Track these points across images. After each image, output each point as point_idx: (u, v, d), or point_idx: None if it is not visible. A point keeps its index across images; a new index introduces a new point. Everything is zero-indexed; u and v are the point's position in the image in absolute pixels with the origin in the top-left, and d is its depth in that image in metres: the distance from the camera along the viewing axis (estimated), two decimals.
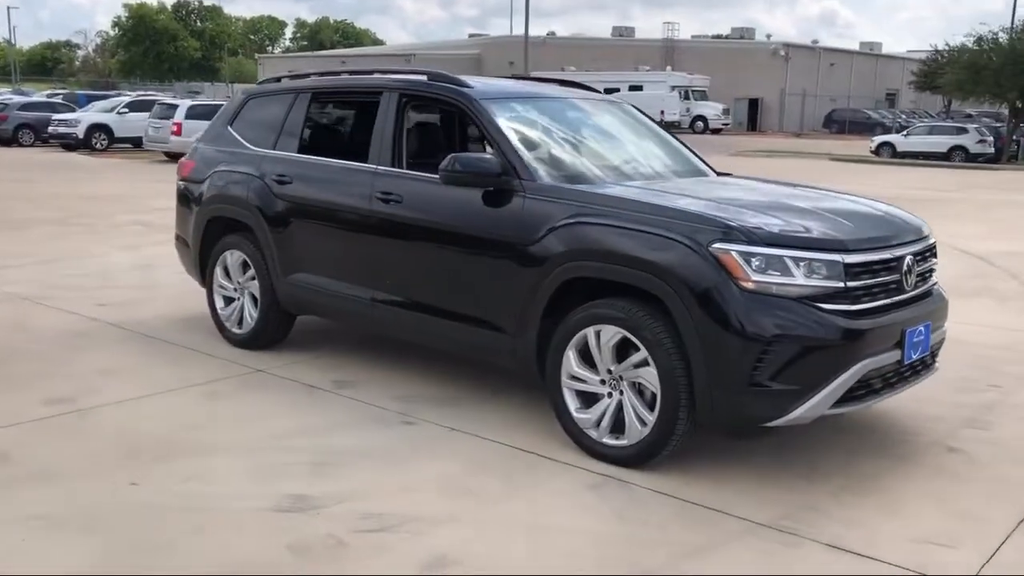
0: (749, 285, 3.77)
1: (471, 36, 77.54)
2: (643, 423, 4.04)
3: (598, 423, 4.20)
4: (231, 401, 4.99)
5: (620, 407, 4.14)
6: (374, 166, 5.17)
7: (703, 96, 51.70)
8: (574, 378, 4.27)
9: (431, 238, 4.83)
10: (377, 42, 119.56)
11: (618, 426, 4.15)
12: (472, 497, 3.83)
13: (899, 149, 34.88)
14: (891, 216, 4.47)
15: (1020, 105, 33.24)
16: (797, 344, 3.75)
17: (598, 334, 4.14)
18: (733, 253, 3.80)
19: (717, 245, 3.83)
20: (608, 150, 5.17)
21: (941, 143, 34.27)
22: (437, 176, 4.80)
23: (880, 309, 3.99)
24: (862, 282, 3.92)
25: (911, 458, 4.36)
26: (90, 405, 4.83)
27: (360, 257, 5.19)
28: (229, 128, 6.20)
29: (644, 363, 3.99)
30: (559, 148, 4.88)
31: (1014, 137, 34.41)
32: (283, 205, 5.58)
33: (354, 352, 5.93)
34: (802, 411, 3.81)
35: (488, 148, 4.97)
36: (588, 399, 4.28)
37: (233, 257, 5.94)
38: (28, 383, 5.20)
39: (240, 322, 5.97)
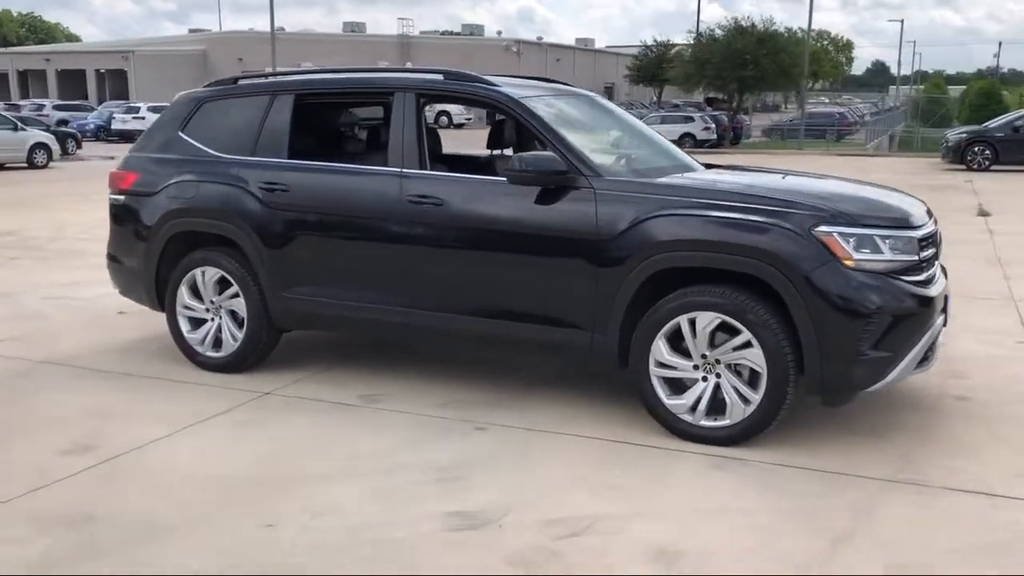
0: (850, 264, 4.10)
1: (192, 32, 73.55)
2: (746, 402, 4.26)
3: (693, 408, 4.37)
4: (272, 428, 4.63)
5: (716, 390, 4.33)
6: (399, 169, 4.97)
7: None
8: (663, 366, 4.41)
9: (485, 239, 4.74)
10: (71, 37, 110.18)
11: (716, 408, 4.34)
12: (624, 491, 3.87)
13: None
14: (909, 197, 4.98)
15: (737, 96, 36.90)
16: (891, 314, 4.13)
17: (692, 321, 4.30)
18: (835, 235, 4.12)
19: (820, 228, 4.13)
20: (634, 144, 5.31)
21: (673, 131, 37.13)
22: (481, 177, 4.72)
23: (932, 279, 4.47)
24: (924, 255, 4.38)
25: (938, 409, 4.89)
26: (119, 451, 4.30)
27: (388, 264, 4.98)
28: (181, 134, 5.67)
29: (747, 345, 4.21)
30: (602, 142, 4.96)
31: (733, 124, 38.12)
32: (278, 215, 5.21)
33: (350, 364, 5.66)
34: (894, 375, 4.21)
35: (534, 146, 4.93)
36: (676, 386, 4.43)
37: (207, 275, 5.45)
38: (24, 435, 4.53)
39: (216, 344, 5.50)
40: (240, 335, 5.43)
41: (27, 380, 5.41)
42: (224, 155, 5.47)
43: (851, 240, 4.13)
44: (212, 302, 5.51)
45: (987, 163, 23.05)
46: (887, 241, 4.20)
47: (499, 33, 64.79)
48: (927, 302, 4.26)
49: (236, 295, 5.39)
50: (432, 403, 4.97)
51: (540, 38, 64.13)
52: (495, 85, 5.01)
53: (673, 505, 3.75)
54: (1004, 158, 22.93)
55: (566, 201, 4.55)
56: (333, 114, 6.09)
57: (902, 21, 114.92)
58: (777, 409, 4.22)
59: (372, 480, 3.99)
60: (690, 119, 37.55)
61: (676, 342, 4.39)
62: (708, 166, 5.61)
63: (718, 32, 37.50)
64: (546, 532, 3.49)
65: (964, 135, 24.07)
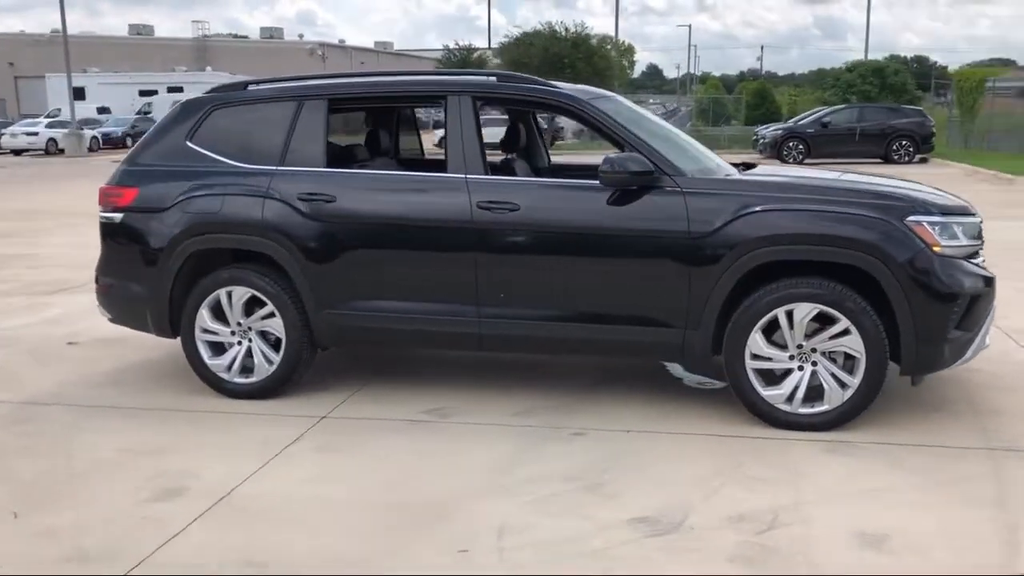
0: (939, 250, 4.39)
1: None
2: (844, 387, 4.45)
3: (790, 397, 4.51)
4: (367, 451, 4.36)
5: (812, 377, 4.50)
6: (462, 175, 4.81)
7: None
8: (758, 358, 4.53)
9: (568, 243, 4.68)
10: None
11: (811, 395, 4.50)
12: (772, 482, 3.93)
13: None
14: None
15: None
16: (971, 295, 4.45)
17: (789, 313, 4.45)
18: (925, 224, 4.39)
19: (911, 218, 4.38)
20: (679, 143, 5.36)
21: (496, 134, 37.37)
22: (557, 180, 4.66)
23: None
24: (981, 240, 4.74)
25: (961, 382, 5.28)
26: (219, 491, 3.91)
27: (458, 273, 4.80)
28: (190, 144, 5.21)
29: (844, 332, 4.40)
30: (665, 142, 4.98)
31: (551, 127, 39.13)
32: (325, 227, 4.90)
33: (384, 381, 5.41)
34: (971, 352, 4.54)
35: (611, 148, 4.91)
36: (768, 377, 4.56)
37: (234, 295, 5.04)
38: (91, 485, 4.02)
39: (246, 370, 5.11)
40: (276, 357, 5.06)
41: (32, 424, 4.80)
42: (247, 165, 5.08)
43: (936, 228, 4.41)
44: (239, 324, 5.10)
45: (801, 157, 25.01)
46: (960, 227, 4.52)
47: (301, 36, 63.23)
48: (992, 283, 4.61)
49: (271, 315, 5.02)
50: (507, 413, 4.85)
51: (342, 41, 63.11)
52: (555, 86, 4.96)
53: (828, 490, 3.86)
54: (815, 152, 24.98)
55: (652, 201, 4.57)
56: (367, 120, 5.82)
57: (690, 26, 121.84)
58: (875, 392, 4.44)
59: (520, 493, 3.85)
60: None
61: (768, 334, 4.52)
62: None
63: (528, 35, 38.29)
64: (741, 528, 3.51)
65: (780, 132, 25.97)
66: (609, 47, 41.71)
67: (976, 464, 4.12)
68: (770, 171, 5.42)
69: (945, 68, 70.03)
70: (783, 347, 4.52)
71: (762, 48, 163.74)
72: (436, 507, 3.75)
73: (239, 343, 5.13)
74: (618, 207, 4.61)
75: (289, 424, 4.72)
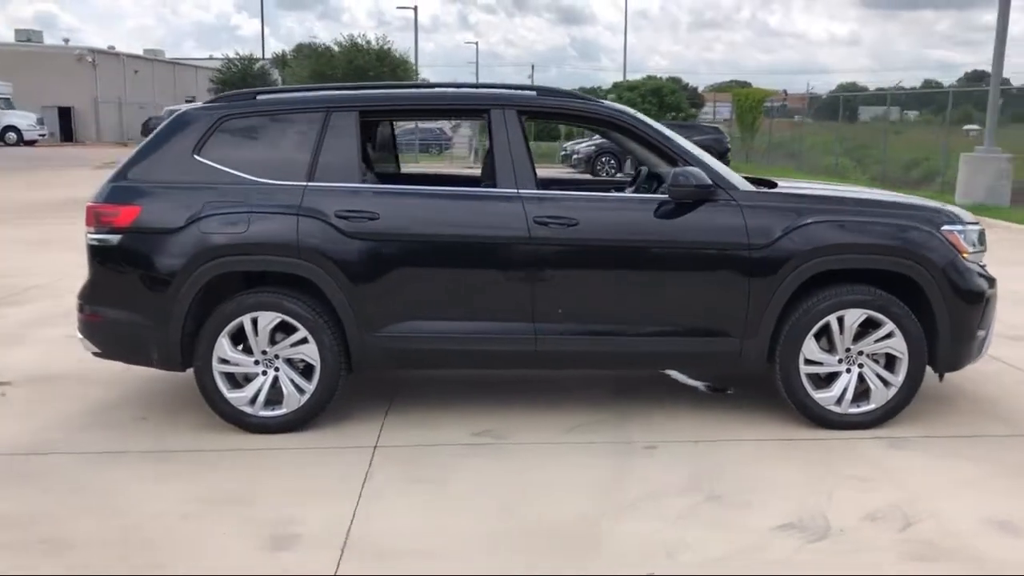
0: (967, 256, 4.78)
1: None
2: (888, 386, 4.75)
3: (840, 399, 4.75)
4: (450, 479, 4.13)
5: (860, 380, 4.76)
6: (514, 190, 4.70)
7: (9, 104, 46.28)
8: (810, 362, 4.74)
9: (629, 257, 4.69)
10: None
11: (859, 396, 4.77)
12: (873, 480, 4.12)
13: None
14: None
15: None
16: (989, 296, 4.88)
17: (840, 319, 4.69)
18: (955, 232, 4.77)
19: (946, 227, 4.75)
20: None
21: None
22: (615, 195, 4.68)
23: None
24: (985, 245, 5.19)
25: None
26: (340, 534, 3.59)
27: (515, 290, 4.67)
28: (198, 157, 4.74)
29: (889, 335, 4.70)
30: (707, 157, 5.06)
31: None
32: (368, 246, 4.62)
33: (408, 404, 5.15)
34: (985, 348, 4.97)
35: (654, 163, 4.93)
36: (817, 380, 4.78)
37: (261, 321, 4.65)
38: (186, 542, 3.57)
39: (270, 402, 4.72)
40: (310, 386, 4.71)
41: (51, 479, 4.18)
42: (272, 181, 4.70)
43: (963, 236, 4.81)
44: (264, 353, 4.70)
45: (613, 171, 26.16)
46: (975, 235, 4.95)
47: (66, 41, 58.31)
48: (995, 284, 5.07)
49: (303, 341, 4.67)
50: (559, 430, 4.78)
51: (112, 47, 58.82)
52: (598, 101, 4.95)
53: (928, 484, 4.09)
54: (619, 168, 26.23)
55: (711, 214, 4.67)
56: (399, 134, 5.49)
57: (476, 43, 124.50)
58: (916, 390, 4.77)
59: (651, 511, 3.81)
60: None
61: (816, 339, 4.74)
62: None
63: (334, 47, 37.67)
64: (883, 527, 3.66)
65: (593, 148, 27.00)
66: (411, 61, 41.65)
67: None
68: (800, 186, 5.62)
69: (696, 89, 75.74)
70: (832, 352, 4.75)
71: (532, 67, 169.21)
72: (581, 529, 3.64)
73: (263, 373, 4.72)
74: (676, 220, 4.67)
75: (346, 458, 4.41)
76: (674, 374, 5.73)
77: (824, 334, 4.72)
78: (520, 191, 4.70)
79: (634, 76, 52.39)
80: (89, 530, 3.65)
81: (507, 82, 5.06)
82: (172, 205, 4.67)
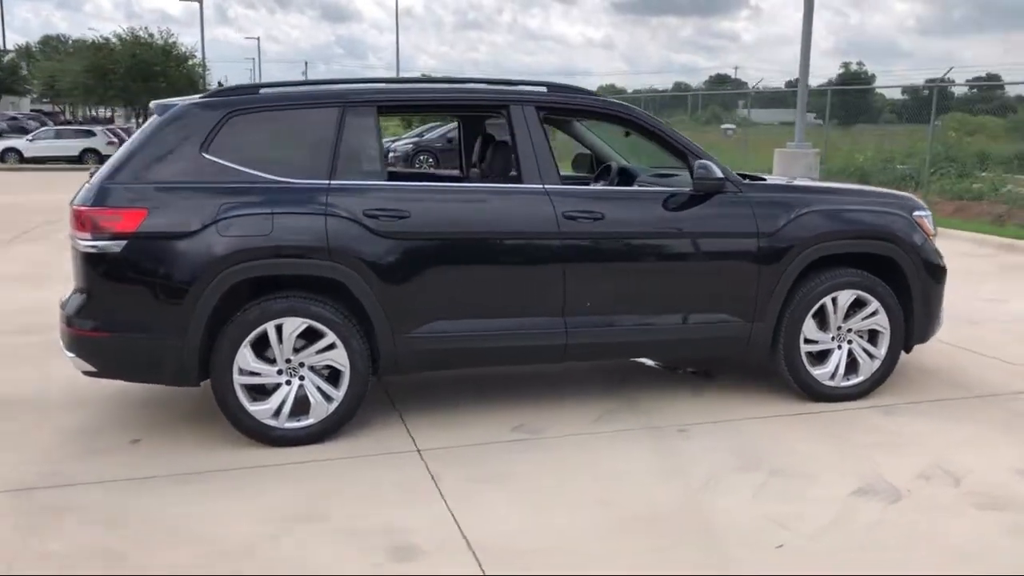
0: (932, 239, 5.31)
1: None
2: (873, 359, 5.20)
3: (833, 374, 5.15)
4: (516, 478, 4.11)
5: (850, 355, 5.18)
6: (540, 185, 4.73)
7: None
8: (809, 342, 5.10)
9: (653, 249, 4.85)
10: None
11: (849, 370, 5.18)
12: (906, 447, 4.48)
13: (27, 155, 33.66)
14: None
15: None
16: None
17: (834, 299, 5.08)
18: (924, 217, 5.29)
19: (916, 213, 5.26)
20: None
21: (72, 146, 34.17)
22: (635, 189, 4.85)
23: None
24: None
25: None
26: (458, 543, 3.51)
27: (546, 285, 4.70)
28: (206, 155, 4.42)
29: (874, 313, 5.14)
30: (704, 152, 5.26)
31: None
32: (399, 245, 4.49)
33: (415, 404, 5.04)
34: (942, 322, 5.52)
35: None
36: (814, 357, 5.15)
37: (286, 328, 4.41)
38: (300, 558, 3.36)
39: (298, 411, 4.50)
40: (338, 393, 4.52)
41: (90, 512, 3.77)
42: (292, 180, 4.47)
43: (928, 220, 5.34)
44: (288, 361, 4.47)
45: (431, 168, 26.24)
46: (931, 219, 5.50)
47: None
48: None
49: (331, 347, 4.48)
50: (586, 421, 4.86)
51: None
52: (605, 97, 5.07)
53: (944, 444, 4.52)
54: (444, 165, 26.32)
55: (723, 205, 4.92)
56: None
57: (258, 38, 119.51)
58: (895, 361, 5.24)
59: (725, 491, 3.97)
60: (91, 133, 34.80)
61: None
62: None
63: (114, 42, 35.25)
64: (940, 484, 4.03)
65: (411, 146, 26.93)
66: (196, 55, 39.61)
67: (1008, 404, 5.11)
68: (782, 179, 5.99)
69: None
70: (826, 330, 5.14)
71: (306, 64, 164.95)
72: (682, 512, 3.76)
73: (287, 383, 4.49)
74: (693, 211, 4.88)
75: (395, 463, 4.29)
76: (647, 362, 5.94)
77: (819, 315, 5.09)
78: (546, 186, 4.73)
79: (409, 75, 52.76)
80: (182, 561, 3.35)
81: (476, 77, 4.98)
82: (183, 207, 4.33)
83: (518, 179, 4.77)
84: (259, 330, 4.38)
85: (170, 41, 35.84)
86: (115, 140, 34.61)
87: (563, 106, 5.07)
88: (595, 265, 4.78)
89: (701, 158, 4.92)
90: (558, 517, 3.73)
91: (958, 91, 26.02)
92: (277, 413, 4.45)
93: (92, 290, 4.34)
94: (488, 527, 3.62)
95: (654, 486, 4.04)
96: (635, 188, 5.28)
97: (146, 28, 36.91)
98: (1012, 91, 25.14)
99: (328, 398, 4.51)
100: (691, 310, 4.94)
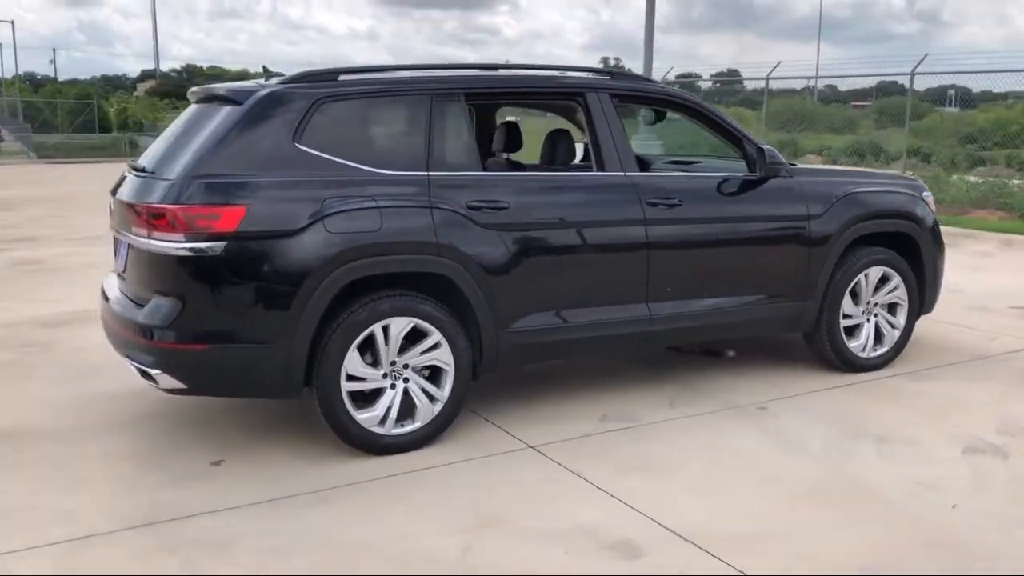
0: (935, 217, 5.79)
1: None
2: (894, 328, 5.61)
3: (864, 346, 5.51)
4: (665, 465, 4.12)
5: (876, 329, 5.56)
6: (621, 172, 4.73)
7: None
8: (847, 316, 5.43)
9: (725, 233, 4.97)
10: None
11: (876, 341, 5.56)
12: (953, 412, 4.84)
13: None
14: None
15: None
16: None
17: (867, 276, 5.44)
18: (929, 197, 5.75)
19: (924, 194, 5.71)
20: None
21: None
22: (708, 174, 5.03)
23: None
24: None
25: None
26: (671, 536, 3.49)
27: (633, 273, 4.70)
28: (299, 145, 4.09)
29: (896, 287, 5.55)
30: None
31: None
32: (500, 238, 4.35)
33: (484, 401, 4.91)
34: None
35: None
36: (849, 331, 5.48)
37: (392, 329, 4.16)
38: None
39: (402, 416, 4.28)
40: (443, 394, 4.33)
41: (242, 545, 3.41)
42: (390, 171, 4.22)
43: (931, 200, 5.81)
44: (393, 364, 4.24)
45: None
46: (932, 199, 5.98)
47: None
48: None
49: (435, 346, 4.28)
50: (662, 406, 4.90)
51: None
52: (661, 84, 5.13)
53: (985, 403, 4.94)
54: None
55: (779, 189, 5.12)
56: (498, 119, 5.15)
57: (12, 23, 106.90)
58: (911, 331, 5.68)
59: (857, 458, 4.17)
60: None
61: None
62: None
63: None
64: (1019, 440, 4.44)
65: None
66: None
67: (1008, 363, 5.64)
68: (819, 165, 6.24)
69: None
70: (858, 305, 5.48)
71: (54, 52, 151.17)
72: (840, 485, 3.90)
73: (392, 387, 4.25)
74: (756, 194, 5.06)
75: (520, 463, 4.15)
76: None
77: (853, 291, 5.42)
78: (627, 173, 4.74)
79: (171, 65, 50.59)
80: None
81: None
82: (283, 203, 3.97)
83: (597, 167, 4.73)
84: (366, 332, 4.11)
85: None
86: None
87: (631, 93, 5.08)
88: (673, 251, 4.84)
89: (757, 144, 5.10)
90: (737, 499, 3.76)
91: (704, 85, 28.78)
92: (384, 420, 4.20)
93: (184, 296, 3.90)
94: (681, 517, 3.57)
95: (790, 460, 4.15)
96: (703, 174, 5.38)
97: None
98: (749, 85, 27.39)
99: (432, 399, 4.31)
100: (757, 290, 5.12)
